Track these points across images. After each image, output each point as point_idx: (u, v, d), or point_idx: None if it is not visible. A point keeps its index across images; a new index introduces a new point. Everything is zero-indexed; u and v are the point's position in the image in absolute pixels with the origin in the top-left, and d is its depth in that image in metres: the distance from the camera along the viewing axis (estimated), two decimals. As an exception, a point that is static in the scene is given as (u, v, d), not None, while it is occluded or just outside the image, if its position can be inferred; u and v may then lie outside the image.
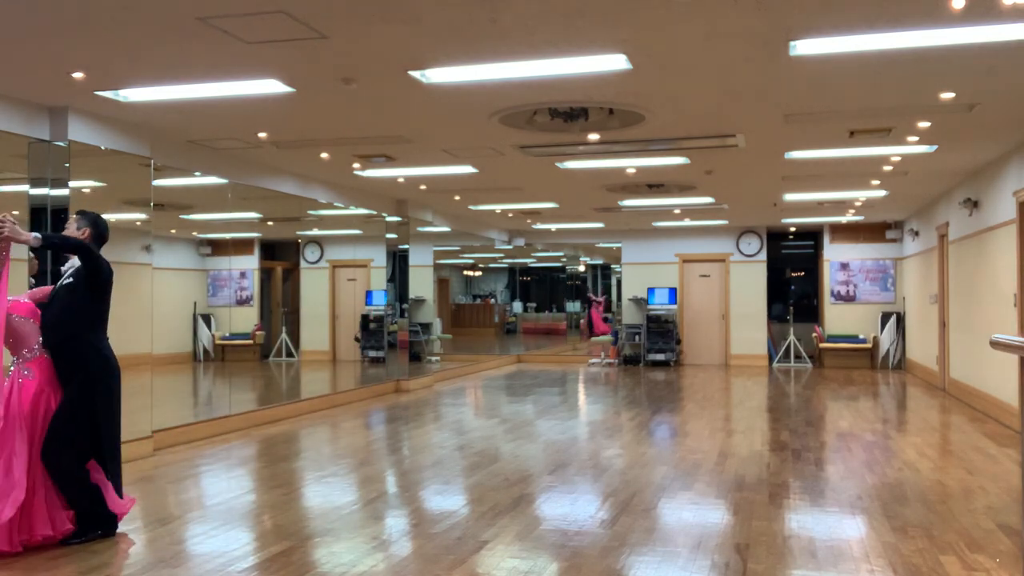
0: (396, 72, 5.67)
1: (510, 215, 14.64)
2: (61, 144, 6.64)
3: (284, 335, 15.76)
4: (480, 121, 7.14)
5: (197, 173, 8.67)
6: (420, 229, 13.62)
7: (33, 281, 5.91)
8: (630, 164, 9.37)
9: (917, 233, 14.06)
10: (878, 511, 5.26)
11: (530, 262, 23.74)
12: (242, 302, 15.76)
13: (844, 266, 16.06)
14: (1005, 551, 4.44)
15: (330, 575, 4.13)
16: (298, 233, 15.65)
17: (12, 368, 4.63)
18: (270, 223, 14.52)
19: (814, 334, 16.32)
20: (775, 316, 17.06)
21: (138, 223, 7.78)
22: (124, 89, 6.17)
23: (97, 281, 4.74)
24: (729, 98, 6.39)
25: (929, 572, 4.11)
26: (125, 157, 7.19)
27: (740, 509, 5.32)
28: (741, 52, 5.22)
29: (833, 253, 16.13)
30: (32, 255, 5.86)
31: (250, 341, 15.50)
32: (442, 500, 5.76)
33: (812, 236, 17.23)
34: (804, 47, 5.09)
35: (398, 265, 12.98)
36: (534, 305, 24.59)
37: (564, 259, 22.29)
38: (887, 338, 15.36)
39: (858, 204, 12.83)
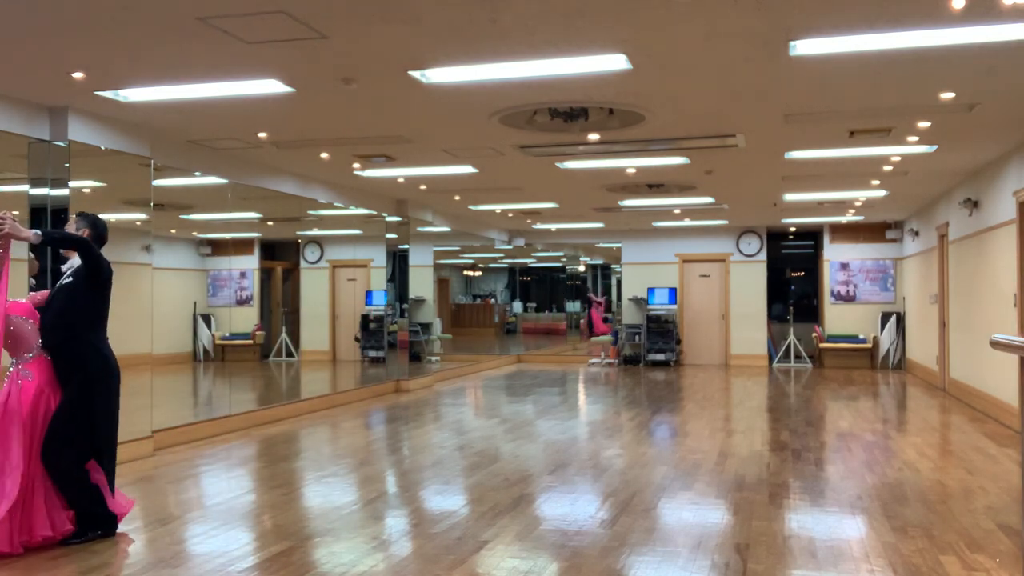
0: (396, 72, 5.67)
1: (510, 215, 14.64)
2: (61, 144, 6.64)
3: (284, 335, 15.75)
4: (480, 121, 7.14)
5: (197, 173, 8.67)
6: (420, 229, 13.62)
7: (33, 281, 5.90)
8: (630, 164, 9.37)
9: (917, 233, 14.06)
10: (878, 511, 5.26)
11: (530, 262, 23.73)
12: (242, 302, 15.75)
13: (844, 266, 16.06)
14: (1005, 551, 4.44)
15: (330, 575, 4.13)
16: (298, 233, 15.64)
17: (11, 370, 4.63)
18: (270, 223, 14.51)
19: (814, 334, 16.32)
20: (775, 316, 17.06)
21: (138, 223, 7.78)
22: (124, 89, 6.17)
23: (97, 280, 4.74)
24: (729, 98, 6.39)
25: (929, 572, 4.11)
26: (125, 157, 7.19)
27: (740, 509, 5.32)
28: (741, 52, 5.22)
29: (833, 253, 16.13)
30: (32, 255, 5.86)
31: (250, 341, 15.49)
32: (442, 500, 5.76)
33: (812, 236, 17.23)
34: (804, 47, 5.09)
35: (398, 265, 12.98)
36: (534, 305, 24.56)
37: (564, 259, 22.27)
38: (887, 338, 15.36)
39: (858, 204, 12.83)
